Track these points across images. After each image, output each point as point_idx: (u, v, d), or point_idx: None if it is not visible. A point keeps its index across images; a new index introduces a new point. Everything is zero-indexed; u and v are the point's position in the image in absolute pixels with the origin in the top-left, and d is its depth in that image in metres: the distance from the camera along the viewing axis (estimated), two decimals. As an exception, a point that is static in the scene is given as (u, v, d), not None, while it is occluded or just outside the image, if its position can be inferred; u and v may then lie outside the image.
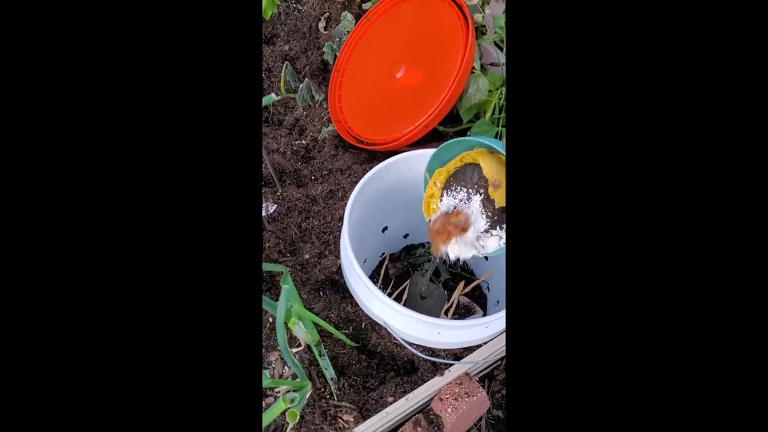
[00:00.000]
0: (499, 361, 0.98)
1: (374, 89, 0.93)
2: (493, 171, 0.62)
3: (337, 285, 0.79)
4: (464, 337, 0.66)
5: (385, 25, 0.95)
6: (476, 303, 0.95)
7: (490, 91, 0.82)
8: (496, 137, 0.83)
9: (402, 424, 0.78)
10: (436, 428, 0.79)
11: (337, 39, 1.07)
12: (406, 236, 1.01)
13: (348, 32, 1.03)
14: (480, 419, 0.94)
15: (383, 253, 1.01)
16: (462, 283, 0.96)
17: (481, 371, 0.95)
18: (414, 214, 0.94)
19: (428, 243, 1.02)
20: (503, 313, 0.63)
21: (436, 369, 0.72)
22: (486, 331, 0.67)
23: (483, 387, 0.88)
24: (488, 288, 0.95)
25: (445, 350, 0.74)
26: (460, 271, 1.00)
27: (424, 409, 0.79)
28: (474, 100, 0.80)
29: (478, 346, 0.74)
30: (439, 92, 0.79)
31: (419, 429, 0.79)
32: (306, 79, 0.99)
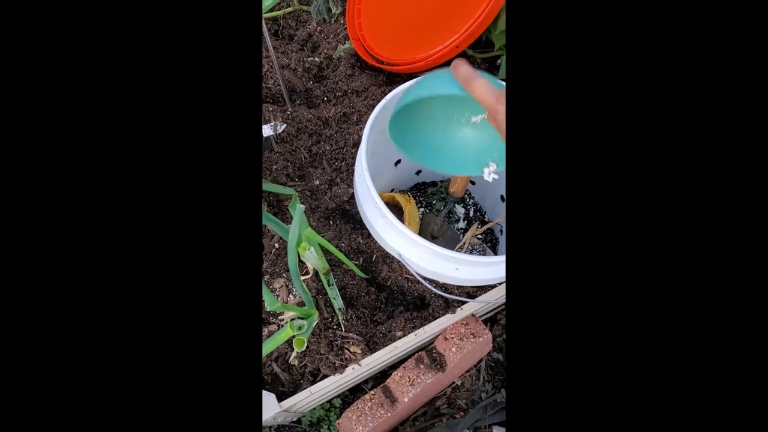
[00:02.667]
0: (503, 306, 0.97)
1: (399, 3, 0.83)
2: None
3: (348, 215, 0.74)
4: (482, 274, 0.63)
5: (415, -72, 0.83)
6: (488, 245, 0.91)
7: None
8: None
9: (406, 360, 0.77)
10: (438, 366, 0.78)
11: (358, -54, 0.95)
12: (418, 173, 0.96)
13: (371, -62, 0.91)
14: (480, 360, 0.94)
15: (393, 190, 0.96)
16: (476, 225, 0.92)
17: (484, 314, 0.94)
18: (431, 148, 0.88)
19: (440, 182, 0.97)
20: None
21: (448, 306, 0.69)
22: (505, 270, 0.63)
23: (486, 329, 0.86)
24: (501, 231, 0.92)
25: (457, 288, 0.71)
26: (474, 213, 0.96)
27: (427, 347, 0.77)
28: (513, 19, 0.71)
29: (492, 287, 0.72)
30: (475, 7, 0.70)
31: (422, 366, 0.78)
32: (322, -12, 0.88)
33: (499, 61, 0.78)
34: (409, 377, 0.77)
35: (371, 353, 0.63)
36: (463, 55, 0.79)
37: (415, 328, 0.66)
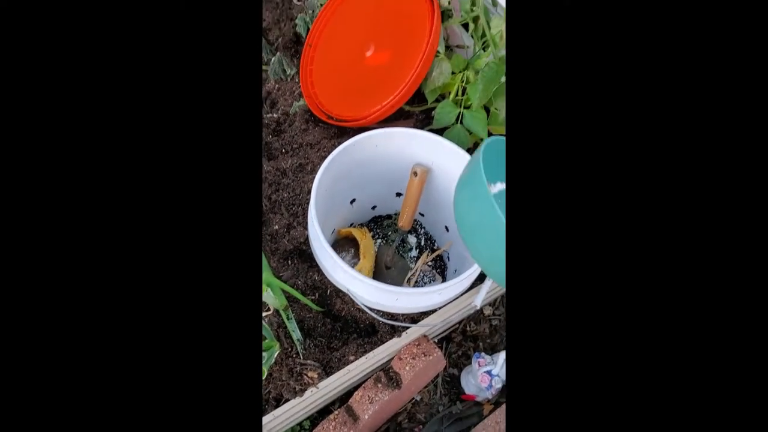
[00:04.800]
0: (456, 325, 1.07)
1: (345, 66, 0.95)
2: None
3: (304, 254, 0.84)
4: (419, 303, 0.73)
5: (356, 2, 0.96)
6: (437, 272, 1.02)
7: (453, 73, 0.86)
8: (457, 118, 0.87)
9: (364, 381, 0.86)
10: (395, 384, 0.87)
11: (310, 11, 1.07)
12: (374, 208, 1.06)
13: (321, 5, 1.03)
14: (437, 376, 1.04)
15: (352, 224, 1.06)
16: (426, 252, 1.02)
17: (440, 334, 1.04)
18: (381, 187, 0.98)
19: (395, 214, 1.08)
20: (454, 281, 0.69)
21: (395, 331, 0.79)
22: (439, 298, 0.74)
23: (441, 348, 0.96)
24: (448, 258, 1.02)
25: (402, 315, 0.81)
26: (425, 242, 1.07)
27: (385, 368, 0.87)
28: (437, 82, 0.84)
29: (434, 311, 0.82)
30: (406, 73, 0.83)
31: (380, 385, 0.87)
32: (278, 53, 1.00)
33: (433, 112, 0.91)
34: (368, 396, 0.86)
35: (328, 377, 0.73)
36: (401, 110, 0.91)
37: (366, 352, 0.76)
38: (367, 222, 1.08)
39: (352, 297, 0.73)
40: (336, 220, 0.98)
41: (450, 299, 0.77)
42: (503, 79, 0.78)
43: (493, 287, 0.90)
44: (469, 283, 0.76)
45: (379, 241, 1.06)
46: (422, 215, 1.06)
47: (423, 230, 1.08)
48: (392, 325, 0.78)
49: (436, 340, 0.99)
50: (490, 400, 0.94)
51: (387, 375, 0.87)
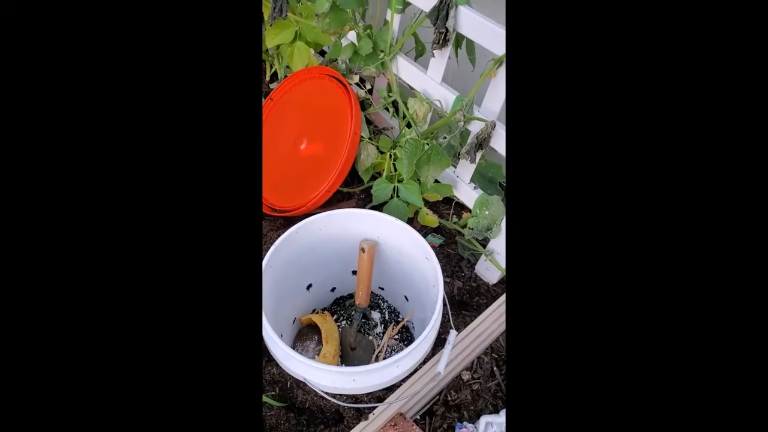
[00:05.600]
0: (437, 396, 1.03)
1: (283, 160, 1.02)
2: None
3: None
4: (378, 379, 0.72)
5: (287, 103, 1.06)
6: (405, 344, 1.00)
7: (382, 152, 0.93)
8: (393, 192, 0.93)
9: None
10: (377, 473, 0.82)
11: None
12: (333, 290, 1.06)
13: (258, 111, 1.13)
14: (422, 455, 0.98)
15: (314, 310, 1.05)
16: (391, 326, 1.02)
17: (421, 409, 1.00)
18: (336, 268, 1.00)
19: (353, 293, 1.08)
20: (408, 350, 0.69)
21: (361, 414, 0.76)
22: (397, 371, 0.72)
23: (425, 424, 0.92)
24: (413, 328, 1.02)
25: (367, 396, 0.78)
26: (389, 316, 1.06)
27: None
28: (367, 163, 0.90)
29: (398, 385, 0.80)
30: (336, 160, 0.89)
31: (361, 477, 0.81)
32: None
33: (371, 191, 0.96)
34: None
35: (295, 479, 0.68)
36: (341, 192, 0.97)
37: (333, 443, 0.72)
38: (329, 305, 1.08)
39: (310, 385, 0.71)
40: (295, 308, 0.98)
41: (411, 369, 0.75)
42: (426, 147, 0.85)
43: (461, 351, 0.89)
44: (425, 348, 0.75)
45: (344, 322, 1.05)
46: (382, 289, 1.07)
47: (386, 304, 1.08)
48: (356, 408, 0.75)
49: (418, 416, 0.95)
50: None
51: (367, 465, 0.82)
